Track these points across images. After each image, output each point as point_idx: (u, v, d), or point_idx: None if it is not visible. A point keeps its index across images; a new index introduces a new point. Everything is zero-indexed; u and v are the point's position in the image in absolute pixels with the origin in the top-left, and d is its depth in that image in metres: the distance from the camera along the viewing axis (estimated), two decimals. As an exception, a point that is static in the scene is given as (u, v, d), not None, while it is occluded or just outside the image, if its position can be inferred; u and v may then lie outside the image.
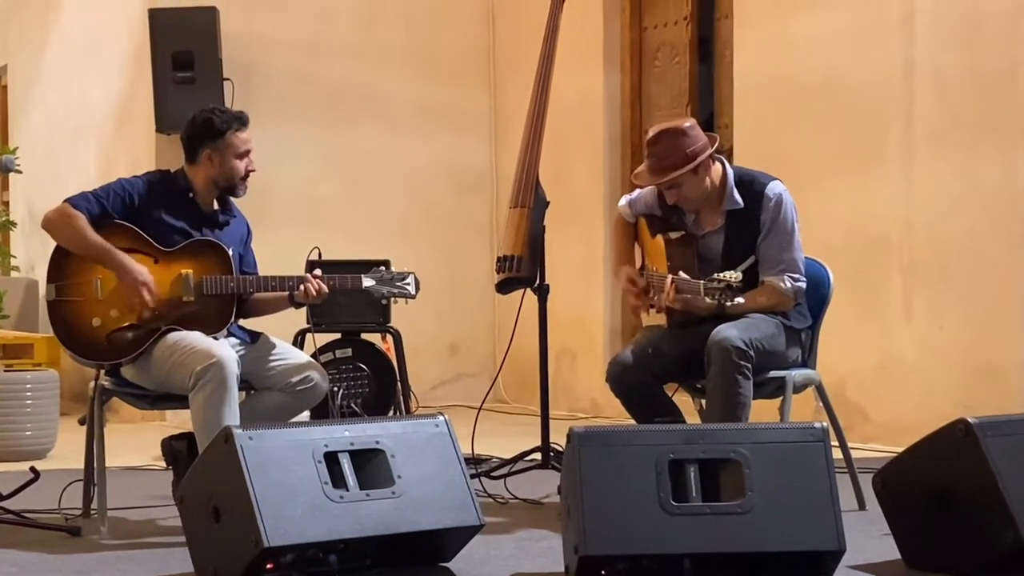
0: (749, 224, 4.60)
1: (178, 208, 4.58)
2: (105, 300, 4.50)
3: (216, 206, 4.66)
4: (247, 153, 4.61)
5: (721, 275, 4.29)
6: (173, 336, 4.45)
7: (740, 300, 4.32)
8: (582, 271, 7.97)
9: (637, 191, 4.95)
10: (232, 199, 4.70)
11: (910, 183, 6.35)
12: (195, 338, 4.43)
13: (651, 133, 4.63)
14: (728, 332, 4.39)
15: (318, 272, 4.62)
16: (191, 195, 4.61)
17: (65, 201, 4.50)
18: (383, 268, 4.73)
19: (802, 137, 6.81)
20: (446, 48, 8.60)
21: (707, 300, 4.31)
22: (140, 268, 4.45)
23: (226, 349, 4.39)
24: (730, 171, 4.65)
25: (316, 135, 8.23)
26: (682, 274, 4.46)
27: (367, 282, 4.66)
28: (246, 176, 4.63)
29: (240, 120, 4.61)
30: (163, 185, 4.61)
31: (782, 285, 4.57)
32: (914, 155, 6.33)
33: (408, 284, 4.69)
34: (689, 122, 4.62)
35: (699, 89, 7.61)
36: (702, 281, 4.33)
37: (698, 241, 4.66)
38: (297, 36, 8.22)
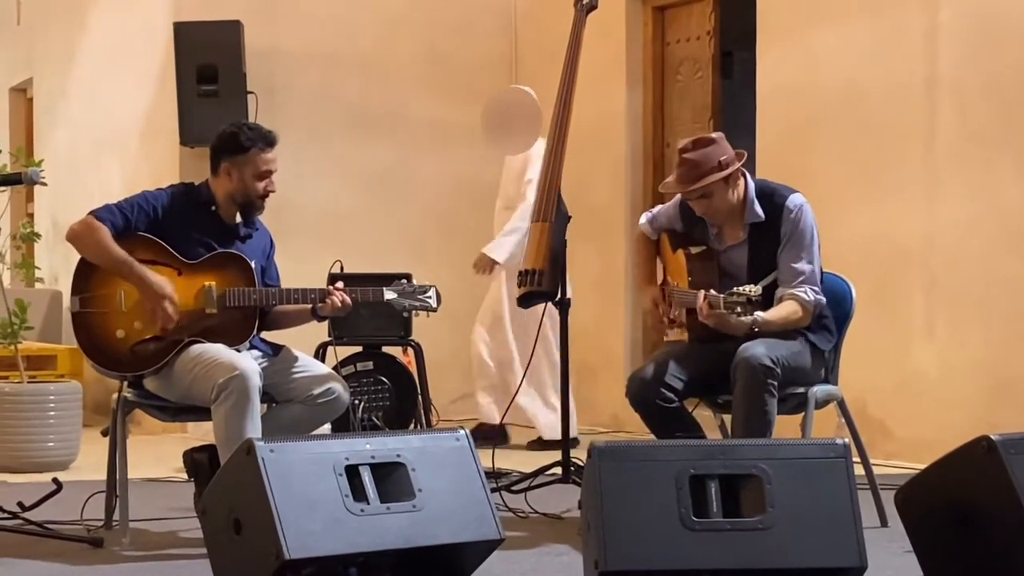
0: (771, 237, 4.60)
1: (201, 221, 4.60)
2: (129, 312, 4.52)
3: (239, 219, 4.67)
4: (268, 174, 4.61)
5: (740, 289, 4.30)
6: (196, 348, 4.46)
7: (760, 314, 4.32)
8: (603, 286, 7.97)
9: (658, 207, 4.95)
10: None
11: (931, 200, 6.33)
12: (218, 350, 4.44)
13: (683, 143, 4.65)
14: (755, 349, 4.39)
15: (340, 284, 4.63)
16: (214, 208, 4.63)
17: (90, 214, 4.52)
18: (404, 281, 4.73)
19: (823, 153, 6.81)
20: (467, 63, 8.62)
21: (739, 319, 4.32)
22: (162, 281, 4.46)
23: (248, 361, 4.40)
24: (751, 184, 4.66)
25: (337, 149, 8.25)
26: (712, 291, 4.46)
27: (389, 295, 4.67)
28: (264, 196, 4.63)
29: (266, 140, 4.61)
30: (187, 198, 4.63)
31: (805, 297, 4.57)
32: (935, 171, 6.32)
33: (430, 297, 4.70)
34: (718, 134, 4.66)
35: (722, 104, 7.61)
36: (722, 296, 4.34)
37: (719, 255, 4.67)
38: (320, 50, 8.25)
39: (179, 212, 4.58)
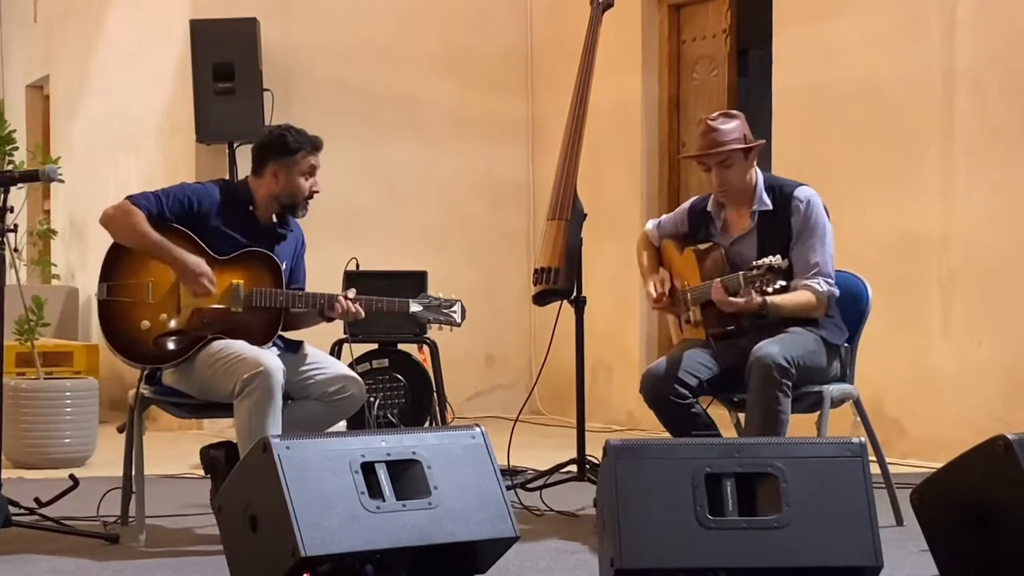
0: (779, 228, 4.61)
1: (236, 218, 4.60)
2: (156, 304, 4.52)
3: (274, 219, 4.68)
4: (313, 171, 4.63)
5: (761, 260, 4.31)
6: (218, 343, 4.47)
7: (771, 298, 4.33)
8: (619, 283, 7.96)
9: (664, 216, 4.98)
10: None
11: (949, 196, 6.32)
12: (241, 346, 4.44)
13: (708, 116, 4.69)
14: (770, 348, 4.38)
15: (351, 293, 4.61)
16: (251, 207, 4.64)
17: (126, 198, 4.54)
18: (431, 296, 4.74)
19: (840, 149, 6.79)
20: (484, 56, 8.63)
21: (749, 301, 4.32)
22: (197, 260, 4.47)
23: (273, 358, 4.41)
24: (760, 174, 4.68)
25: (354, 145, 8.26)
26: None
27: (414, 307, 4.67)
28: (309, 196, 4.65)
29: (313, 144, 4.64)
30: (224, 195, 4.63)
31: (818, 288, 4.57)
32: (953, 168, 6.30)
33: (455, 312, 4.71)
34: (740, 114, 4.68)
35: (738, 102, 7.60)
36: (741, 272, 4.35)
37: (727, 250, 4.68)
38: (336, 47, 8.26)
39: (215, 208, 4.57)
